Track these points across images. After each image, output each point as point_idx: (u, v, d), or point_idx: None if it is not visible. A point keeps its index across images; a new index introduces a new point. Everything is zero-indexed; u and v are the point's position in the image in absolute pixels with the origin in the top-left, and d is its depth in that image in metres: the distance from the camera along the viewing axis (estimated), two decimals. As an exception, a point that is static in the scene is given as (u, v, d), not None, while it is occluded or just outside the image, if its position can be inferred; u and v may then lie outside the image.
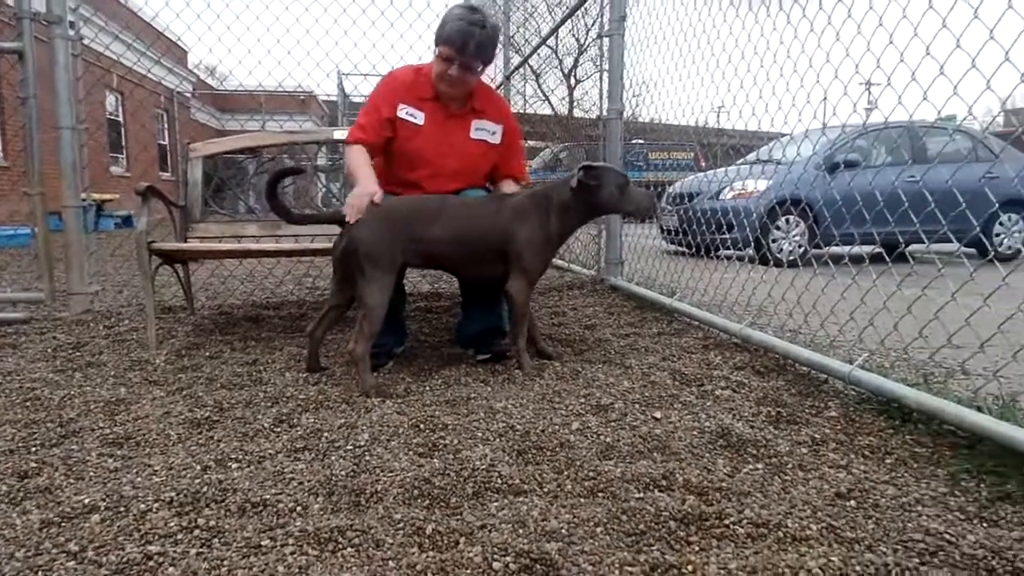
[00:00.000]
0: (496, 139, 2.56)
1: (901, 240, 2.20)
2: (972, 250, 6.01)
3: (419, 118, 2.45)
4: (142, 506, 1.53)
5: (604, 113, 3.89)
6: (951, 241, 2.07)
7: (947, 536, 1.40)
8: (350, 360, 2.37)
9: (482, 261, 2.32)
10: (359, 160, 2.31)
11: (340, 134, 3.42)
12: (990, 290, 1.86)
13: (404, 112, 2.45)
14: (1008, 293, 1.86)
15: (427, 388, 2.31)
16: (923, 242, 2.03)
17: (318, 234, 3.27)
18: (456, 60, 2.39)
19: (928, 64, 2.14)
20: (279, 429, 1.96)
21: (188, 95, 20.38)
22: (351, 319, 3.06)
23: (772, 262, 4.40)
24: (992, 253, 1.86)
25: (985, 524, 1.45)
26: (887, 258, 2.25)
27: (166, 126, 18.98)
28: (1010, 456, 1.67)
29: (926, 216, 2.11)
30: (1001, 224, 6.06)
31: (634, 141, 6.44)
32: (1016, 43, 1.60)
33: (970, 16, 1.77)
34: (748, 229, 4.21)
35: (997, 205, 5.19)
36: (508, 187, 2.54)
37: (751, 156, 4.40)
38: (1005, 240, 6.08)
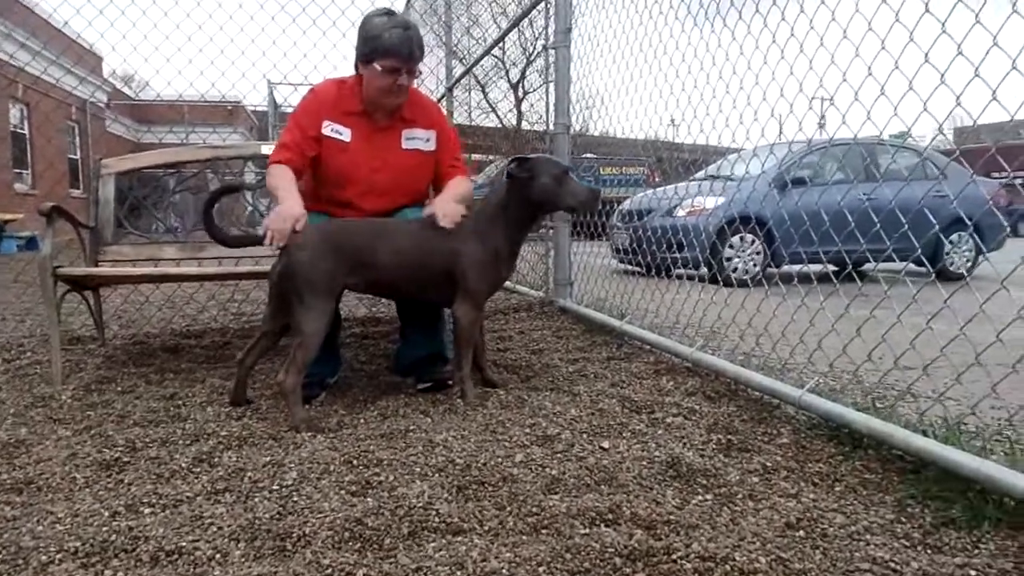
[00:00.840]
0: (430, 146, 2.51)
1: (848, 260, 2.24)
2: (923, 269, 6.12)
3: (345, 134, 2.42)
4: (43, 558, 1.48)
5: (551, 127, 3.87)
6: (901, 260, 2.13)
7: (892, 564, 1.42)
8: (279, 392, 2.31)
9: (428, 284, 2.29)
10: (282, 180, 2.27)
11: (268, 148, 3.39)
12: (937, 310, 1.91)
13: (329, 129, 2.42)
14: (953, 314, 1.90)
15: (362, 421, 2.27)
16: (871, 261, 2.09)
17: (243, 256, 3.20)
18: (403, 69, 2.38)
19: (871, 84, 2.23)
20: (198, 469, 1.91)
21: (102, 106, 19.85)
22: (285, 348, 2.96)
23: (724, 282, 4.40)
24: (932, 274, 1.91)
25: (929, 551, 1.48)
26: (834, 279, 2.29)
27: (78, 139, 18.43)
28: (954, 480, 1.70)
29: (874, 235, 2.14)
30: (951, 243, 6.23)
31: (584, 156, 6.34)
32: (985, 59, 1.66)
33: (937, 30, 1.81)
34: (700, 248, 4.21)
35: (938, 226, 5.35)
36: (457, 187, 2.45)
37: (703, 172, 4.33)
38: (955, 259, 6.26)
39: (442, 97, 5.60)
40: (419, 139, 2.48)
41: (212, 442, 2.09)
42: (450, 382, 2.52)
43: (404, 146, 2.45)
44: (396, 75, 2.36)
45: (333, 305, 2.16)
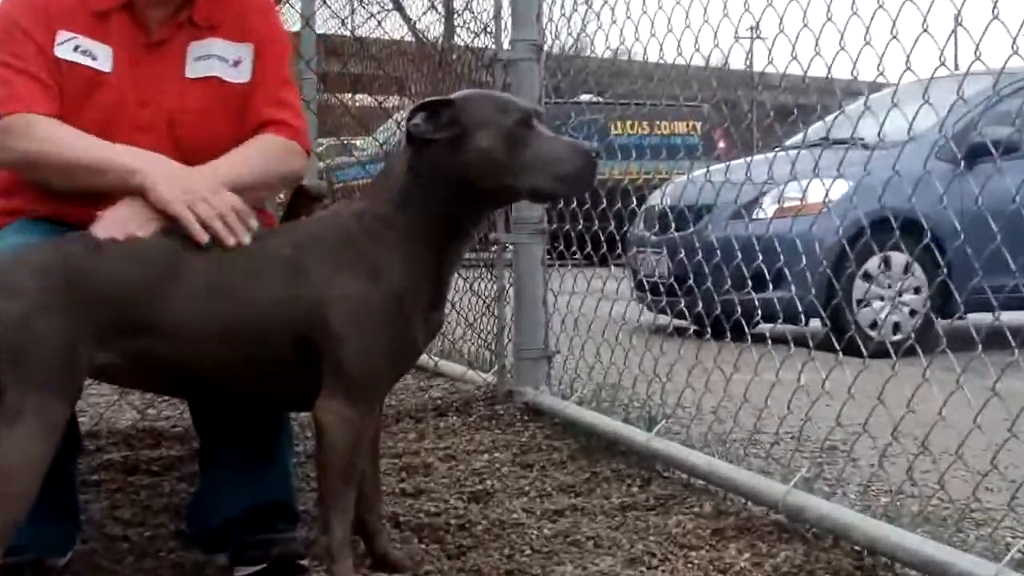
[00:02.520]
0: (241, 73, 1.96)
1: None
2: None
3: (101, 56, 1.90)
4: None
5: (506, 46, 3.07)
6: None
7: None
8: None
9: (262, 367, 1.74)
10: (83, 142, 1.81)
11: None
12: None
13: (70, 48, 1.90)
14: None
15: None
16: None
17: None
18: None
19: None
20: None
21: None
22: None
23: (848, 348, 2.89)
24: None
25: None
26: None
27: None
28: None
29: None
30: None
31: (579, 99, 4.14)
32: None
33: None
34: (811, 281, 2.90)
35: None
36: (250, 154, 1.91)
37: (814, 131, 3.13)
38: None
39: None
40: (219, 59, 1.97)
41: None
42: (304, 562, 1.95)
43: (191, 72, 1.96)
44: None
45: (66, 410, 1.71)
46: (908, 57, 1.92)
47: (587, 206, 2.92)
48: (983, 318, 2.04)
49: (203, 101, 1.91)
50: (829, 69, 2.20)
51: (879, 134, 2.14)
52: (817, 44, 2.12)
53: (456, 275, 2.04)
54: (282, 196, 2.19)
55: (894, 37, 1.90)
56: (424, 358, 3.51)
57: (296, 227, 1.87)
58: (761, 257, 2.77)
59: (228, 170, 1.80)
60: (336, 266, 1.66)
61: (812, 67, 2.22)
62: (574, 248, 3.32)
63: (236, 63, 1.95)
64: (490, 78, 3.29)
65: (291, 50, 2.12)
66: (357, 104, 5.35)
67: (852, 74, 2.17)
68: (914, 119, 2.04)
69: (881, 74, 2.07)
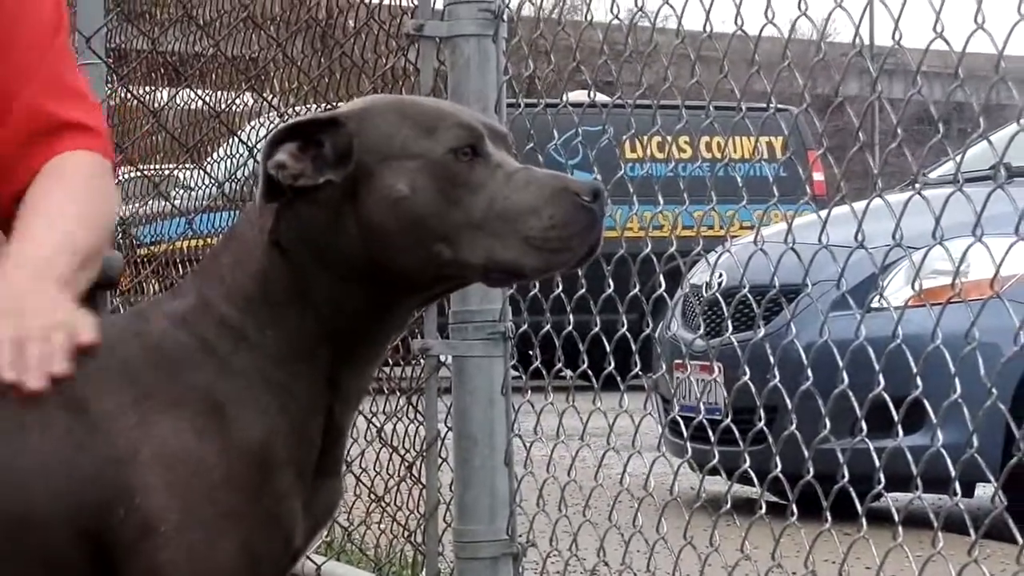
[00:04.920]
0: None
1: None
2: None
3: None
4: None
5: (440, 7, 2.47)
6: None
7: None
8: None
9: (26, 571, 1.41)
10: None
11: None
12: None
13: None
14: None
15: None
16: None
17: None
18: None
19: None
20: None
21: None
22: None
23: None
24: None
25: None
26: None
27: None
28: None
29: None
30: None
31: (567, 99, 2.74)
32: None
33: None
34: (974, 421, 2.07)
35: None
36: (88, 181, 1.62)
37: (976, 155, 2.34)
38: None
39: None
40: None
41: None
42: None
43: None
44: None
45: None
46: None
47: (584, 288, 2.17)
48: None
49: None
50: (1002, 49, 1.63)
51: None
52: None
53: (356, 413, 1.70)
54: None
55: None
56: (315, 557, 2.78)
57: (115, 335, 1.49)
58: (884, 378, 2.08)
59: (67, 252, 1.48)
60: (146, 408, 1.35)
61: (973, 42, 1.69)
62: (560, 362, 2.47)
63: None
64: (411, 67, 2.52)
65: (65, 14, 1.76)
66: (178, 106, 3.59)
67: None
68: None
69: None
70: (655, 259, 2.18)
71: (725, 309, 2.70)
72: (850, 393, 2.04)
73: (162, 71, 3.76)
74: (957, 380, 1.96)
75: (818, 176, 4.91)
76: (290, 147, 1.28)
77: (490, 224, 1.30)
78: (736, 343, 2.35)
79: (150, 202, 4.15)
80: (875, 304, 2.66)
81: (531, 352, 2.46)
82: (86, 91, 1.68)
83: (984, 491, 3.35)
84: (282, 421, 1.33)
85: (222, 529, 1.32)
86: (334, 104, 2.72)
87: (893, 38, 1.69)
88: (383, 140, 1.31)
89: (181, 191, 3.96)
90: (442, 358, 2.47)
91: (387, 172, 1.29)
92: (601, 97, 2.67)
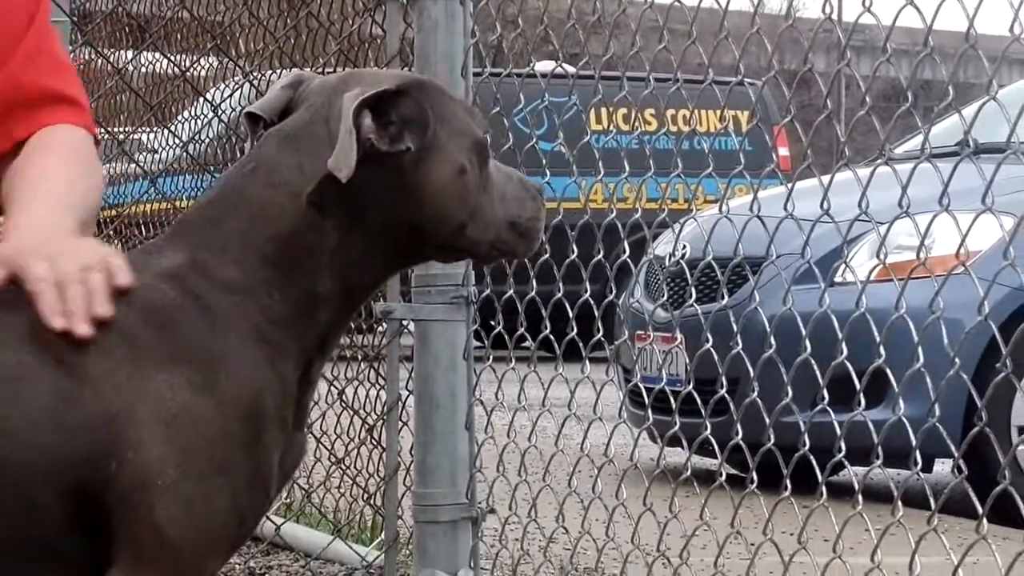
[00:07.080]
0: None
1: None
2: None
3: None
4: None
5: None
6: None
7: None
8: None
9: (16, 531, 1.38)
10: None
11: None
12: None
13: None
14: None
15: None
16: None
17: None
18: None
19: None
20: None
21: None
22: None
23: (1016, 512, 2.14)
24: None
25: None
26: None
27: None
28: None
29: None
30: None
31: (533, 68, 2.59)
32: None
33: None
34: (936, 394, 2.02)
35: None
36: (80, 151, 1.62)
37: (943, 130, 2.45)
38: None
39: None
40: None
41: None
42: None
43: None
44: None
45: None
46: None
47: (545, 255, 2.06)
48: None
49: None
50: (971, 21, 1.65)
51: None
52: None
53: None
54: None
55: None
56: (273, 517, 2.75)
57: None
58: (847, 350, 2.05)
59: (74, 212, 1.51)
60: (142, 364, 1.34)
61: (941, 16, 1.70)
62: (522, 329, 2.43)
63: None
64: (378, 29, 2.46)
65: None
66: (141, 69, 3.73)
67: (1012, 30, 1.64)
68: None
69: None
70: (620, 227, 2.20)
71: (690, 279, 2.70)
72: (813, 362, 2.04)
73: (126, 30, 3.78)
74: (920, 351, 1.95)
75: (783, 151, 4.95)
76: (369, 116, 1.33)
77: (496, 207, 1.42)
78: (700, 312, 2.35)
79: (113, 164, 4.18)
80: (839, 277, 2.68)
81: (493, 321, 2.46)
82: (70, 64, 1.72)
83: (943, 467, 3.40)
84: (273, 377, 1.36)
85: (218, 482, 1.34)
86: (300, 66, 2.72)
87: (863, 4, 1.69)
88: (448, 115, 1.39)
89: (145, 154, 3.97)
90: (405, 323, 2.43)
91: (454, 145, 1.37)
92: (569, 68, 2.68)
